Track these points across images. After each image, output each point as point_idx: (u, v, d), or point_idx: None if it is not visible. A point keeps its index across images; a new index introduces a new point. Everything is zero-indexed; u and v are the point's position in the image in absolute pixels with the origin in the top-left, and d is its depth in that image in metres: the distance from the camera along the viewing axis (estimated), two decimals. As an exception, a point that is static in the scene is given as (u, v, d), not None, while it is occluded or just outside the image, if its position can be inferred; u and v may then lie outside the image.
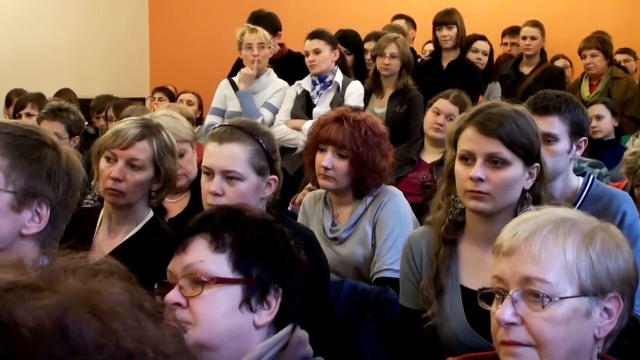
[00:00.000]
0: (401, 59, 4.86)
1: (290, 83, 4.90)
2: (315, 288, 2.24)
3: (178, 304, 1.46)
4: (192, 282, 1.48)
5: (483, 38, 5.80)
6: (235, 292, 1.48)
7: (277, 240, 1.54)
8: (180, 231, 1.56)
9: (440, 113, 4.20)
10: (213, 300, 1.47)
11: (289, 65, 5.19)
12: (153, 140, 2.47)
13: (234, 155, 2.30)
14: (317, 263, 2.34)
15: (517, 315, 1.40)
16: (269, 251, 1.51)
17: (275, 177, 2.38)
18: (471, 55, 5.61)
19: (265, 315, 1.49)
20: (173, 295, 1.47)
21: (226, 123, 2.43)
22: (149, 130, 2.49)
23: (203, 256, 1.49)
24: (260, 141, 2.33)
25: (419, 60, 5.96)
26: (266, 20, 5.21)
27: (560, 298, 1.39)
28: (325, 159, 2.79)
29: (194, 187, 3.05)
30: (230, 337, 1.47)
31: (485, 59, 5.66)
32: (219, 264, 1.48)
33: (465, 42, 5.61)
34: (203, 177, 2.37)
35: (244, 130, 2.34)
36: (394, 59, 4.85)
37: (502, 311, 1.40)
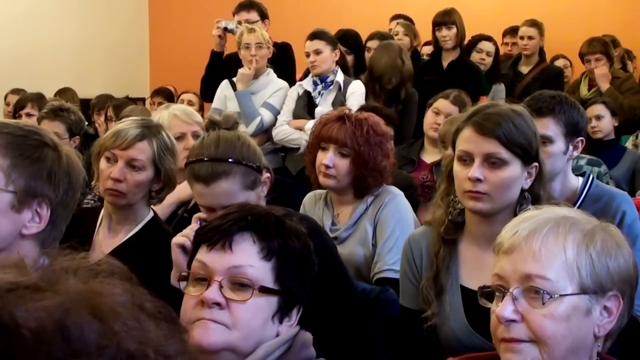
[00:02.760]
0: (401, 76, 4.85)
1: (277, 74, 4.90)
2: (330, 272, 2.23)
3: (217, 304, 1.44)
4: (233, 284, 1.46)
5: (489, 39, 5.75)
6: (273, 303, 1.48)
7: (309, 254, 1.54)
8: (222, 225, 1.50)
9: (440, 113, 4.22)
10: (256, 309, 1.45)
11: (273, 56, 5.15)
12: (153, 141, 2.47)
13: (226, 192, 2.20)
14: (324, 248, 2.32)
15: (517, 312, 1.41)
16: (304, 265, 1.52)
17: (267, 175, 2.32)
18: (475, 56, 5.58)
19: (287, 327, 1.50)
20: (215, 295, 1.44)
21: (202, 157, 2.22)
22: (149, 130, 2.48)
23: (252, 261, 1.47)
24: (243, 161, 2.23)
25: (420, 59, 5.97)
26: (256, 7, 5.26)
27: (561, 295, 1.39)
28: (326, 157, 2.79)
29: None
30: (257, 346, 1.46)
31: (489, 60, 5.61)
32: (265, 271, 1.47)
33: (470, 42, 5.61)
34: (207, 214, 2.25)
35: (223, 160, 2.21)
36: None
37: (503, 308, 1.41)
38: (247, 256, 1.47)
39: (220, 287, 1.45)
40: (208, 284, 1.46)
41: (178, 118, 3.15)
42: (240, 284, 1.46)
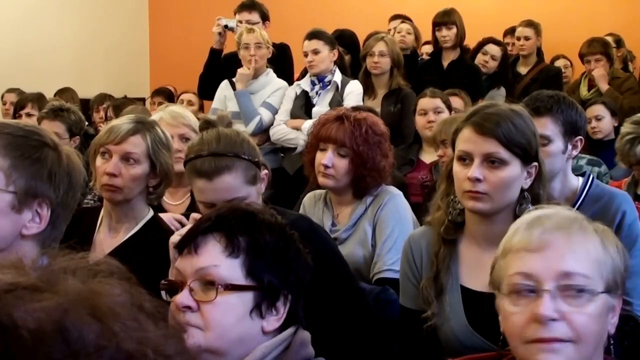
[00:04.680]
0: (390, 57, 4.88)
1: (275, 74, 4.90)
2: (329, 267, 2.24)
3: (188, 307, 1.45)
4: (204, 286, 1.46)
5: (498, 43, 5.73)
6: (247, 299, 1.47)
7: (289, 246, 1.53)
8: (191, 229, 1.54)
9: (427, 112, 4.29)
10: (226, 307, 1.45)
11: (272, 56, 5.14)
12: (147, 135, 2.46)
13: (230, 186, 2.19)
14: (323, 244, 2.33)
15: (557, 310, 1.39)
16: (281, 257, 1.50)
17: (265, 171, 2.33)
18: (479, 57, 5.56)
19: (274, 321, 1.49)
20: (184, 298, 1.45)
21: (204, 152, 2.22)
22: (143, 125, 2.49)
23: (217, 260, 1.47)
24: (244, 156, 2.23)
25: (419, 59, 5.97)
26: (258, 8, 5.26)
27: (598, 293, 1.40)
28: (325, 157, 2.79)
29: None
30: (239, 343, 1.46)
31: (493, 64, 5.57)
32: (232, 269, 1.47)
33: (479, 43, 5.61)
34: (205, 211, 2.24)
35: (225, 155, 2.20)
36: (383, 57, 4.87)
37: (545, 307, 1.38)
38: (211, 256, 1.47)
39: (191, 290, 1.46)
40: (181, 288, 1.48)
41: (164, 121, 3.15)
42: (210, 285, 1.46)
